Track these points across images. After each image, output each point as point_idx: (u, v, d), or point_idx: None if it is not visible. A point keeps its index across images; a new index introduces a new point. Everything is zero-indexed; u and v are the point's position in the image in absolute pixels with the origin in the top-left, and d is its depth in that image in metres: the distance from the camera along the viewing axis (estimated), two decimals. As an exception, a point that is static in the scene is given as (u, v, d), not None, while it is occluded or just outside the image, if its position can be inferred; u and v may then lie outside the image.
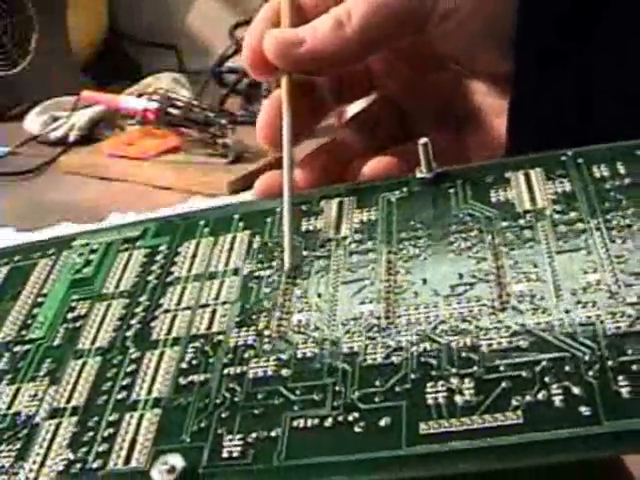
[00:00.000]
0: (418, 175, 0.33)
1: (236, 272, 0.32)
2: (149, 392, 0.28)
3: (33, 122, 1.03)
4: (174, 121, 0.91)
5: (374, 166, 0.35)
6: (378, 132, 0.38)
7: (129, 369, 0.29)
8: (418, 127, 0.39)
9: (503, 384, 0.24)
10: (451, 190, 0.32)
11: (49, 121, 1.03)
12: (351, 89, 0.39)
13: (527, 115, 0.35)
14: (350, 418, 0.25)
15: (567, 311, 0.26)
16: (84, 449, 0.26)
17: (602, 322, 0.25)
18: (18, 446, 0.27)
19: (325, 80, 0.37)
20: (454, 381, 0.25)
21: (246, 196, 0.82)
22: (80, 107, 1.04)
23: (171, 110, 0.92)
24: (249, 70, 0.36)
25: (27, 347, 0.31)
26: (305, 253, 0.32)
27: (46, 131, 1.01)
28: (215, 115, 0.91)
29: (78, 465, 0.26)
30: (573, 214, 0.30)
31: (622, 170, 0.30)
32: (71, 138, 1.01)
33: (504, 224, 0.30)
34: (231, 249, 0.33)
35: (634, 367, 0.24)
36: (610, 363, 0.24)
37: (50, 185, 0.90)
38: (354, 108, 0.41)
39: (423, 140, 0.32)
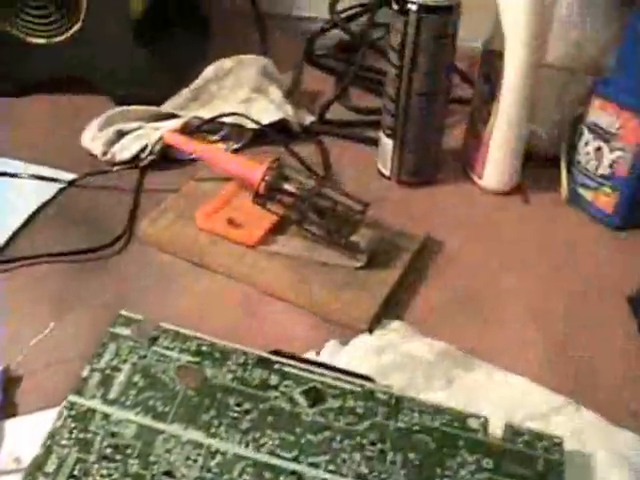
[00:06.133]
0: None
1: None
2: None
3: (95, 140, 0.82)
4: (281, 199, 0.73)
5: None
6: None
7: None
8: None
9: None
10: None
11: (114, 137, 0.83)
12: None
13: None
14: None
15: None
16: None
17: None
18: None
19: None
20: None
21: (390, 337, 0.66)
22: (153, 117, 0.84)
23: (286, 186, 0.73)
24: None
25: None
26: None
27: (107, 158, 0.82)
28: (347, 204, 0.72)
29: None
30: None
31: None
32: (143, 162, 0.82)
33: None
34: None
35: None
36: None
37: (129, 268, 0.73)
38: None
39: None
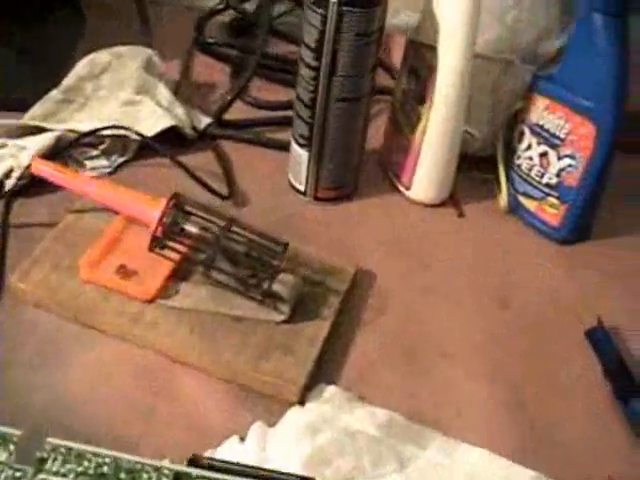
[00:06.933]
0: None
1: None
2: None
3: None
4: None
5: None
6: None
7: None
8: None
9: None
10: None
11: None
12: None
13: None
14: None
15: None
16: None
17: None
18: None
19: None
20: None
21: (324, 409, 0.56)
22: (17, 132, 0.70)
23: (189, 228, 0.61)
24: None
25: None
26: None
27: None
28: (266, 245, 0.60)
29: None
30: None
31: None
32: (8, 186, 0.68)
33: None
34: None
35: None
36: None
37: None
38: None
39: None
